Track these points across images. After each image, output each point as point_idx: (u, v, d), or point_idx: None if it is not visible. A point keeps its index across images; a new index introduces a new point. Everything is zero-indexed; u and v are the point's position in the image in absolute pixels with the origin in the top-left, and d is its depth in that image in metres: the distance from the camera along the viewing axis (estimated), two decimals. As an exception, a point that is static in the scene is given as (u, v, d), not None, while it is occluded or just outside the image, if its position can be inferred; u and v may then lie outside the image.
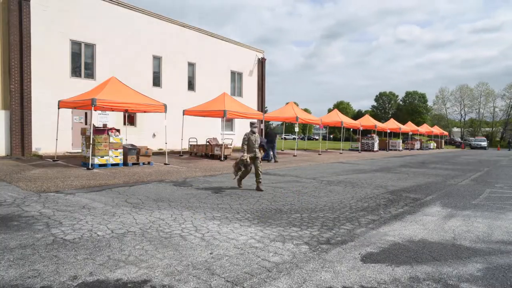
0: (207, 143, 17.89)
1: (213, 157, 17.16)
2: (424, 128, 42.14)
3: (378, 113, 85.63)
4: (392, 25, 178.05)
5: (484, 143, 46.90)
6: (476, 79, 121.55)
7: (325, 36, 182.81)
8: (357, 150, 28.63)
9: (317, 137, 75.96)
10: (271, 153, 16.48)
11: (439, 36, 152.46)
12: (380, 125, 31.63)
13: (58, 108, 13.42)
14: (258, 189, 8.35)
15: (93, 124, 12.46)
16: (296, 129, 21.78)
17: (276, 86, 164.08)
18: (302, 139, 56.26)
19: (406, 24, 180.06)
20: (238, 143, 21.31)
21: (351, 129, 35.91)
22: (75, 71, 17.31)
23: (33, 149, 15.59)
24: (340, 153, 25.41)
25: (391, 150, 31.94)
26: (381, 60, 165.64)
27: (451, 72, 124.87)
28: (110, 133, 12.39)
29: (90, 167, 11.54)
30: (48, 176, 9.53)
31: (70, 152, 16.72)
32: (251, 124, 8.83)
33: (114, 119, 18.22)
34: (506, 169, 15.88)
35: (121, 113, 17.45)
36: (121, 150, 12.58)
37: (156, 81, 20.93)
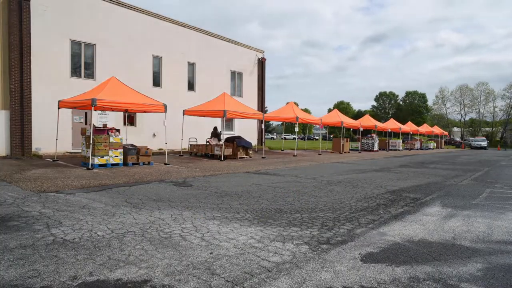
0: (207, 143, 17.89)
1: (213, 157, 17.16)
2: (424, 128, 42.13)
3: (378, 113, 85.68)
4: (435, 30, 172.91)
5: (484, 143, 46.87)
6: (496, 80, 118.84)
7: (369, 40, 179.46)
8: (357, 150, 28.62)
9: (317, 137, 75.94)
10: None
11: (474, 41, 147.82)
12: (380, 125, 31.62)
13: (58, 108, 13.42)
14: None
15: (93, 124, 12.46)
16: (296, 129, 21.77)
17: (308, 87, 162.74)
18: (302, 139, 56.26)
19: (446, 30, 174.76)
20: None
21: (351, 129, 35.91)
22: (75, 71, 17.30)
23: (33, 149, 15.59)
24: (340, 153, 25.40)
25: (391, 150, 31.94)
26: (411, 64, 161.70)
27: (474, 74, 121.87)
28: (110, 133, 12.39)
29: (90, 167, 11.54)
30: (48, 176, 9.53)
31: (70, 152, 16.72)
32: None
33: (114, 119, 18.21)
34: (506, 169, 15.88)
35: (121, 113, 17.45)
36: (121, 150, 12.58)
37: (156, 81, 20.93)
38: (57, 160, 13.74)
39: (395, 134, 38.26)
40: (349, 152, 26.48)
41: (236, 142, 17.24)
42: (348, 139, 29.26)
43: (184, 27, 22.25)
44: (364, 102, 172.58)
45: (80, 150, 15.54)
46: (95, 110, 14.48)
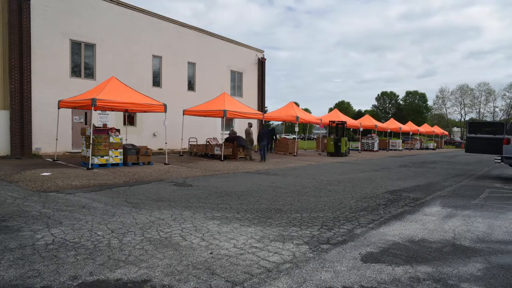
0: (207, 143, 17.89)
1: (213, 157, 17.16)
2: (425, 128, 42.13)
3: (379, 112, 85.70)
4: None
5: None
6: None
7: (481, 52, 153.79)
8: (357, 150, 28.62)
9: (316, 137, 75.82)
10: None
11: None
12: (380, 125, 31.62)
13: (58, 108, 13.42)
14: None
15: (93, 124, 12.46)
16: (296, 129, 21.76)
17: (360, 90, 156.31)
18: (302, 139, 56.24)
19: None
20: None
21: (351, 129, 35.93)
22: (75, 71, 17.30)
23: (33, 149, 15.59)
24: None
25: (391, 150, 31.94)
26: (488, 70, 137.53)
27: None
28: (110, 133, 12.40)
29: (90, 167, 11.54)
30: (48, 176, 9.53)
31: (70, 152, 16.72)
32: None
33: (114, 119, 18.21)
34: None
35: (121, 113, 17.44)
36: (121, 150, 12.58)
37: (156, 81, 20.92)
38: (57, 160, 13.74)
39: (395, 134, 38.25)
40: (295, 155, 20.98)
41: (237, 142, 17.25)
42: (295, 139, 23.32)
43: (184, 27, 22.24)
44: (366, 102, 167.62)
45: (80, 150, 15.52)
46: (95, 110, 14.48)
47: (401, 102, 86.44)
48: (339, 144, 21.29)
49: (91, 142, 11.80)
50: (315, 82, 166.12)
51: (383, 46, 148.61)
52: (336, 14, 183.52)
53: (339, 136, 21.81)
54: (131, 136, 17.23)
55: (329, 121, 23.31)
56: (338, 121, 23.02)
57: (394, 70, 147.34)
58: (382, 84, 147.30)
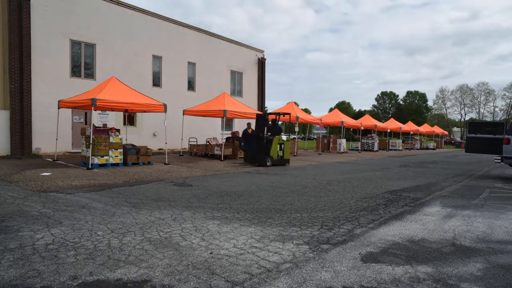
0: (207, 143, 17.89)
1: (213, 157, 17.16)
2: (425, 128, 42.14)
3: (379, 112, 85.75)
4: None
5: None
6: None
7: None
8: (357, 150, 28.63)
9: (316, 137, 75.85)
10: None
11: None
12: (380, 124, 31.63)
13: (58, 108, 13.43)
14: None
15: (93, 124, 12.47)
16: (296, 129, 21.76)
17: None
18: (302, 139, 56.23)
19: None
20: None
21: (351, 129, 35.94)
22: (75, 71, 17.30)
23: (33, 149, 15.59)
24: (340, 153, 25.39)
25: (391, 150, 31.94)
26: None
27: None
28: (110, 133, 12.40)
29: (90, 167, 11.54)
30: (48, 176, 9.53)
31: (70, 152, 16.72)
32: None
33: (114, 119, 18.21)
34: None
35: (121, 113, 17.45)
36: (121, 150, 12.58)
37: (156, 81, 20.93)
38: (57, 160, 13.74)
39: (395, 134, 38.26)
40: (295, 155, 20.63)
41: (241, 144, 17.27)
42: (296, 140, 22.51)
43: (184, 27, 22.24)
44: (366, 102, 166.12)
45: (80, 150, 15.53)
46: (95, 110, 14.47)
47: (401, 102, 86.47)
48: (269, 146, 13.77)
49: (91, 142, 11.80)
50: (337, 83, 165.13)
51: (422, 48, 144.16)
52: (386, 18, 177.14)
53: (272, 134, 14.08)
54: (131, 136, 17.23)
55: (262, 113, 16.88)
56: (274, 112, 16.39)
57: (420, 71, 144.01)
58: (403, 85, 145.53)
